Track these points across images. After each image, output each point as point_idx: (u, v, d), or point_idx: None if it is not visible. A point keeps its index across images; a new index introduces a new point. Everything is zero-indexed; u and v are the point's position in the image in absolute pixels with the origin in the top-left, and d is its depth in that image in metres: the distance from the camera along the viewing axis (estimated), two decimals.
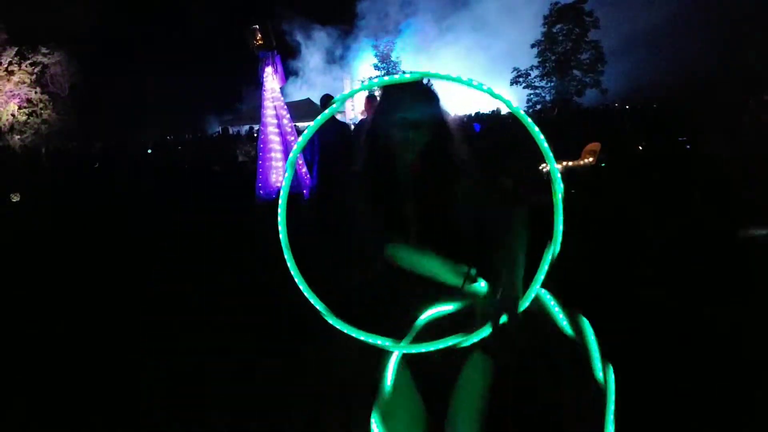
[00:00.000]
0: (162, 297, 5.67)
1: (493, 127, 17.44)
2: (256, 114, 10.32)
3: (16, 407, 3.66)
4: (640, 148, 14.11)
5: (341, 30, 40.67)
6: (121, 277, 6.47)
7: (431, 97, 1.89)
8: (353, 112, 34.78)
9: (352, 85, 35.98)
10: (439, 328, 1.76)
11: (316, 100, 9.67)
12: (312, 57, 41.19)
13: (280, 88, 10.07)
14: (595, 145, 12.74)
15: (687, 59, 27.32)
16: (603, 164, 12.60)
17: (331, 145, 8.57)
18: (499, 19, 36.29)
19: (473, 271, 1.82)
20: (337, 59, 40.89)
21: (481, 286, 1.84)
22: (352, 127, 16.30)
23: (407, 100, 1.82)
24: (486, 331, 1.69)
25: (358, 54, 38.18)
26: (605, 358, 1.80)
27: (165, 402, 3.61)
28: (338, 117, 22.85)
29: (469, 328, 1.71)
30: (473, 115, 21.49)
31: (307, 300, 1.80)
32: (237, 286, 5.72)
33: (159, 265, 6.82)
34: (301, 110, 20.71)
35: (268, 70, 9.89)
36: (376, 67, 34.67)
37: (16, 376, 4.12)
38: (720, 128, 12.21)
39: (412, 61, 37.25)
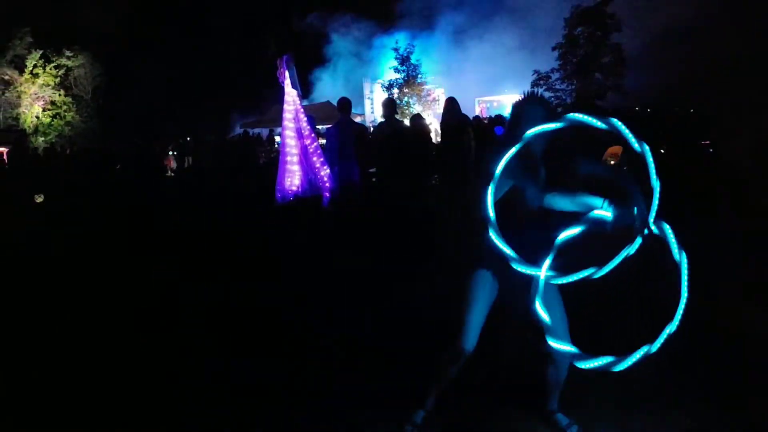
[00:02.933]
0: (169, 297, 5.70)
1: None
2: (277, 117, 10.30)
3: (16, 406, 3.68)
4: (662, 151, 13.92)
5: (370, 28, 40.08)
6: (133, 277, 6.52)
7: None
8: (373, 114, 34.71)
9: (372, 87, 35.83)
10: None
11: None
12: (337, 55, 40.78)
13: (298, 93, 10.00)
14: (617, 148, 12.58)
15: (708, 60, 26.85)
16: (625, 167, 12.45)
17: (349, 147, 8.54)
18: (543, 19, 35.42)
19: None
20: (362, 58, 40.41)
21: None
22: (371, 128, 16.32)
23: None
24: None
25: (383, 53, 37.73)
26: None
27: (166, 402, 3.62)
28: (358, 119, 22.72)
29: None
30: (493, 116, 21.26)
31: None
32: (245, 287, 5.74)
33: (170, 265, 6.86)
34: (321, 113, 20.72)
35: (286, 74, 9.87)
36: (396, 70, 34.38)
37: (17, 375, 4.15)
38: (744, 130, 11.98)
39: (439, 61, 36.91)
